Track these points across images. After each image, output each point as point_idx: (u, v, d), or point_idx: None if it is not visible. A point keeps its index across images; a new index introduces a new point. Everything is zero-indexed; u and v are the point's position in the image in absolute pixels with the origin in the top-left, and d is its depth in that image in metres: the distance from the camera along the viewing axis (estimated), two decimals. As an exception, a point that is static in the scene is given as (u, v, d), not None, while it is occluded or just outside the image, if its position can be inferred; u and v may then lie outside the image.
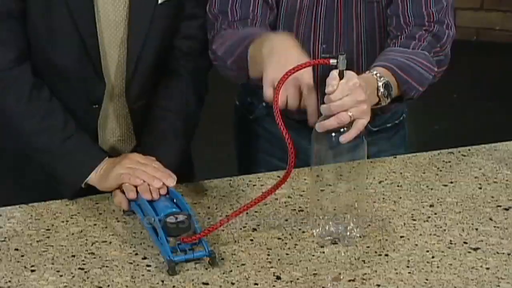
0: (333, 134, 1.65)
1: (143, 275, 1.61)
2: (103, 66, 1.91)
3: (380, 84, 1.79)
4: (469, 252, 1.68)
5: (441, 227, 1.77)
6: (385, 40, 2.02)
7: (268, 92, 1.72)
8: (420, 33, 1.94)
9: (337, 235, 1.70)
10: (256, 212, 1.82)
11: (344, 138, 1.64)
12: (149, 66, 1.96)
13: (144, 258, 1.66)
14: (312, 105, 1.74)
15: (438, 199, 1.88)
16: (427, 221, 1.79)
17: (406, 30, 1.95)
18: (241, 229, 1.76)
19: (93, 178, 1.85)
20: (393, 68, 1.84)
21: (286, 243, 1.71)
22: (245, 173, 2.09)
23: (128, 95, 1.97)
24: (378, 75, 1.80)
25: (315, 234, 1.71)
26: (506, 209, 1.83)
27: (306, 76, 1.72)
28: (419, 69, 1.90)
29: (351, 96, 1.65)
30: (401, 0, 1.96)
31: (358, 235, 1.71)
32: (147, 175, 1.79)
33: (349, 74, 1.66)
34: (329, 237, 1.70)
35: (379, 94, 1.79)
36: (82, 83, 1.91)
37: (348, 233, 1.69)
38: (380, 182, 1.95)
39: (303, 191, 1.90)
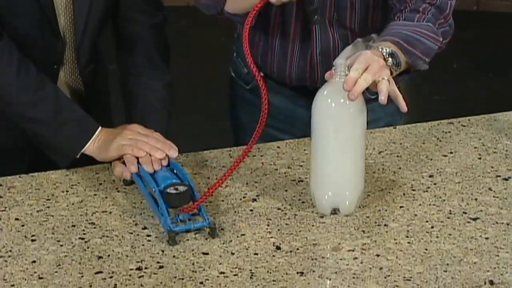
0: (333, 104, 1.66)
1: (143, 245, 1.62)
2: (59, 25, 1.92)
3: (385, 55, 1.79)
4: (468, 222, 1.68)
5: (440, 197, 1.77)
6: (378, 15, 2.03)
7: None
8: (424, 6, 1.94)
9: (336, 205, 1.70)
10: (256, 182, 1.82)
11: (384, 99, 1.67)
12: (97, 26, 1.97)
13: (144, 228, 1.67)
14: None
15: (437, 169, 1.88)
16: (426, 191, 1.79)
17: (410, 4, 1.95)
18: (240, 199, 1.76)
19: (90, 148, 1.85)
20: (399, 42, 1.83)
21: (285, 213, 1.71)
22: (241, 144, 2.09)
23: (79, 58, 1.98)
24: (380, 48, 1.79)
25: (314, 204, 1.72)
26: (506, 179, 1.84)
27: None
28: (424, 40, 1.89)
29: (373, 64, 1.67)
30: None
31: (357, 205, 1.71)
32: (149, 146, 1.79)
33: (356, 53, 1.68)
34: (329, 208, 1.70)
35: (388, 64, 1.79)
36: (42, 44, 1.91)
37: (347, 203, 1.70)
38: (379, 153, 1.95)
39: (303, 161, 1.90)
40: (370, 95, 2.13)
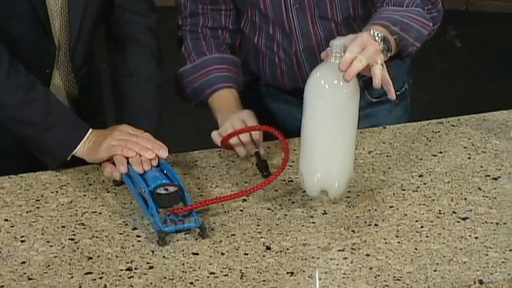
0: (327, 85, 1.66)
1: (133, 245, 1.61)
2: (52, 29, 1.91)
3: (377, 39, 1.79)
4: (458, 221, 1.69)
5: (430, 197, 1.77)
6: (360, 3, 2.03)
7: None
8: None
9: (325, 187, 1.69)
10: (245, 183, 1.82)
11: (378, 82, 1.67)
12: (91, 29, 1.97)
13: (134, 228, 1.67)
14: None
15: (427, 169, 1.88)
16: (416, 191, 1.80)
17: None
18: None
19: (81, 150, 1.84)
20: (389, 26, 1.83)
21: (275, 214, 1.72)
22: None
23: (73, 61, 1.98)
24: (373, 32, 1.79)
25: (302, 186, 1.71)
26: (495, 179, 1.84)
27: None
28: (415, 25, 1.89)
29: (369, 47, 1.67)
30: None
31: (346, 189, 1.70)
32: (139, 146, 1.79)
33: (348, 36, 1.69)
34: (317, 190, 1.69)
35: (380, 49, 1.79)
36: (35, 48, 1.91)
37: (336, 186, 1.69)
38: (369, 153, 1.96)
39: (293, 161, 1.90)
40: (371, 98, 2.14)
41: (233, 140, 1.88)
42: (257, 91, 2.19)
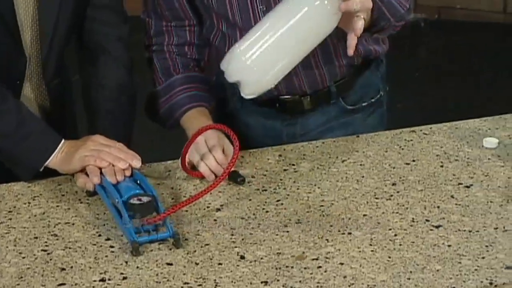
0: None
1: (106, 256, 1.61)
2: (22, 41, 1.90)
3: None
4: (431, 229, 1.69)
5: (403, 205, 1.78)
6: None
7: None
8: None
9: (241, 79, 1.75)
10: (219, 192, 1.82)
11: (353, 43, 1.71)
12: (63, 40, 1.96)
13: (108, 239, 1.66)
14: None
15: (400, 178, 1.89)
16: (389, 199, 1.80)
17: None
18: (204, 209, 1.76)
19: (54, 161, 1.83)
20: None
21: (249, 223, 1.71)
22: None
23: (45, 73, 1.97)
24: None
25: (224, 66, 1.76)
26: (467, 187, 1.85)
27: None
28: (392, 1, 1.90)
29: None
30: None
31: (257, 94, 1.79)
32: (112, 156, 1.79)
33: None
34: (234, 76, 1.74)
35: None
36: (4, 59, 1.90)
37: (255, 82, 1.73)
38: (343, 161, 1.96)
39: (266, 170, 1.91)
40: (346, 105, 2.14)
41: (201, 168, 1.87)
42: (233, 107, 2.19)
